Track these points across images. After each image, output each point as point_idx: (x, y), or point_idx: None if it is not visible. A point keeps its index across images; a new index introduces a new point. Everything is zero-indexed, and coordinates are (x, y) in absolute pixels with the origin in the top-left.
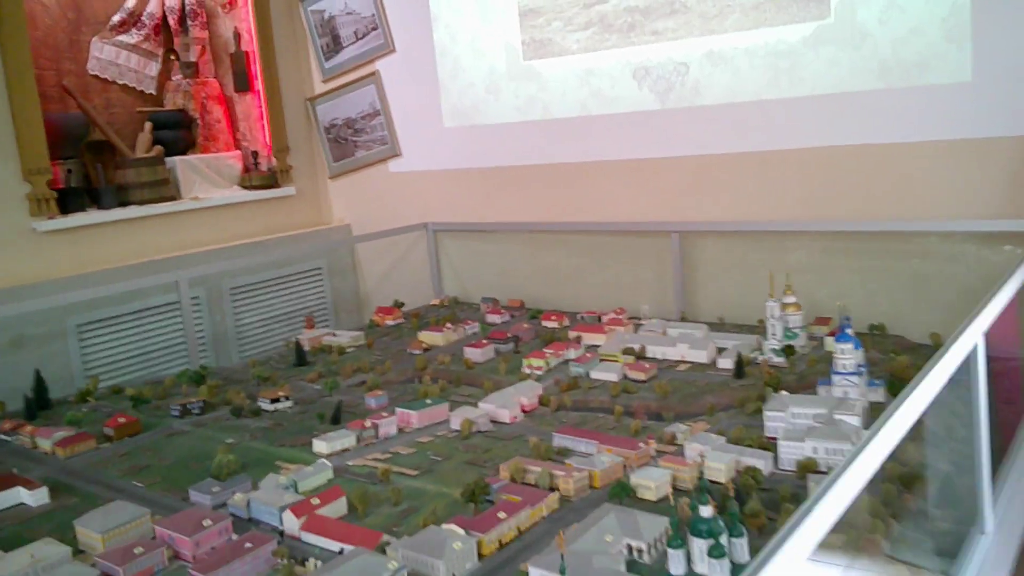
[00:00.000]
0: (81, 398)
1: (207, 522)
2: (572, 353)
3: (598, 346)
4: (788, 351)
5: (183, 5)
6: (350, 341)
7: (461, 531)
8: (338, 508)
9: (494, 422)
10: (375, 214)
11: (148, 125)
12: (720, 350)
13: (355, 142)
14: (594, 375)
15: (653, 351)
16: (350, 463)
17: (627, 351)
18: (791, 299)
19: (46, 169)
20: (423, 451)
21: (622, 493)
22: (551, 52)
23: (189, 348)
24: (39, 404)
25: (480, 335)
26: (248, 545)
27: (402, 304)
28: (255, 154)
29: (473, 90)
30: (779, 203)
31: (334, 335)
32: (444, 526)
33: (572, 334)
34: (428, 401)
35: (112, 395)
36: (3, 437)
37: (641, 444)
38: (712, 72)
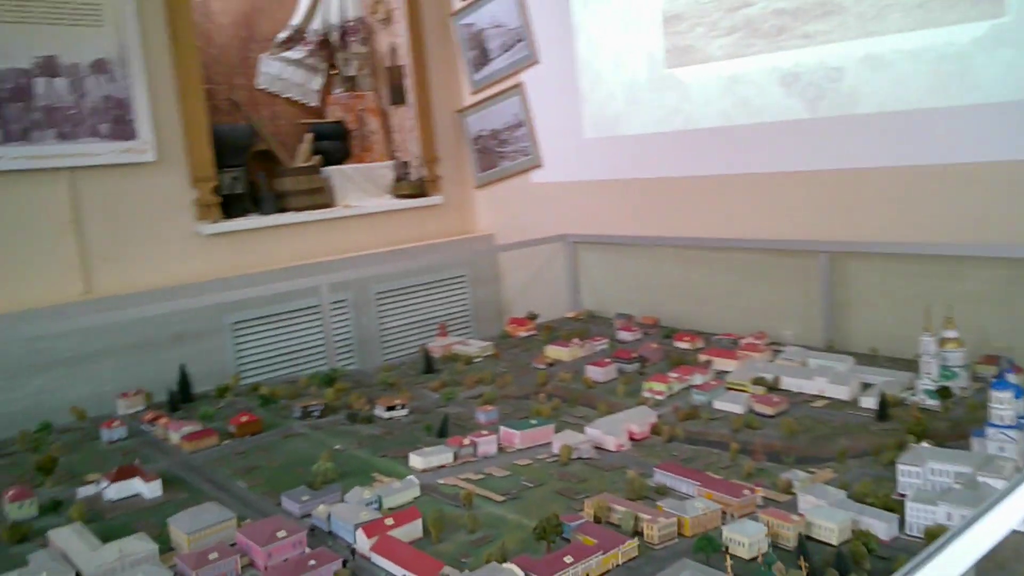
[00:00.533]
0: (220, 394)
1: (282, 533)
2: (698, 378)
3: (728, 372)
4: (943, 393)
5: (345, 22)
6: (479, 351)
7: (520, 573)
8: (413, 530)
9: (599, 449)
10: (517, 224)
11: (308, 136)
12: (865, 386)
13: (500, 153)
14: (717, 405)
15: (788, 383)
16: (441, 482)
17: (758, 381)
18: (952, 333)
19: (211, 177)
20: (517, 475)
21: (708, 548)
22: (694, 59)
23: (327, 350)
24: (183, 397)
25: (607, 352)
26: (312, 563)
27: (536, 316)
28: (406, 164)
29: (614, 101)
30: (944, 223)
31: (465, 344)
32: (506, 564)
33: (702, 358)
34: (533, 422)
35: (249, 392)
36: (144, 427)
37: (747, 491)
38: (870, 78)
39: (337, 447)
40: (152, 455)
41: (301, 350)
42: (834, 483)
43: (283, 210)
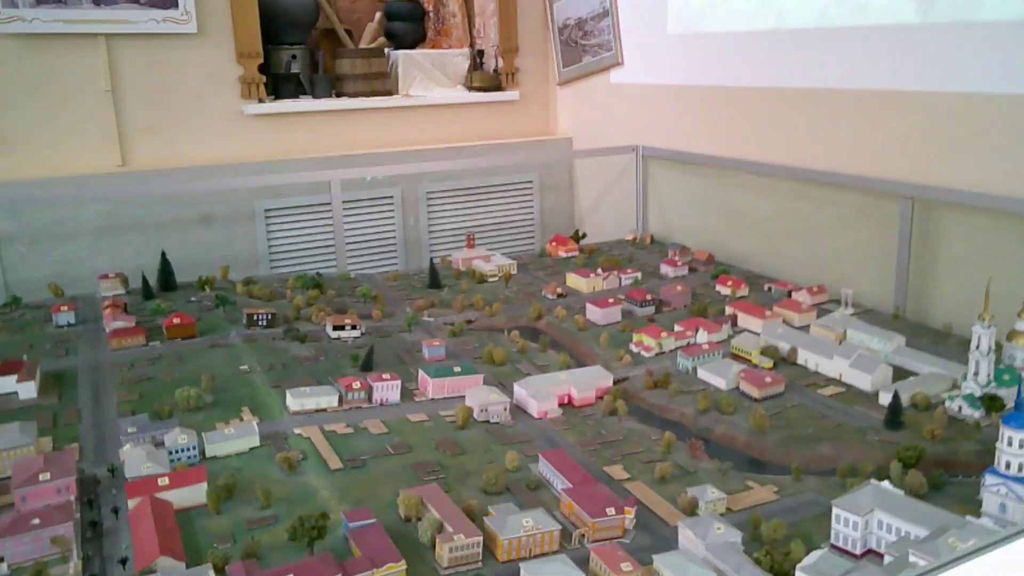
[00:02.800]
0: (201, 286)
1: (45, 476)
2: (704, 336)
3: (742, 333)
4: (990, 403)
5: None
6: (496, 270)
7: None
8: (192, 496)
9: (523, 412)
10: (592, 131)
11: (379, 15)
12: (901, 377)
13: (583, 46)
14: (702, 374)
15: (805, 358)
16: (298, 431)
17: (767, 351)
18: None
19: (258, 53)
20: (392, 434)
21: None
22: None
23: (337, 250)
24: (164, 285)
25: (633, 287)
26: (36, 521)
27: (582, 236)
28: (480, 53)
29: None
30: None
31: (486, 260)
32: (229, 567)
33: (729, 310)
34: (457, 368)
35: (228, 287)
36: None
37: (611, 509)
38: None
39: (243, 368)
40: (80, 347)
41: (330, 246)
42: (767, 509)
43: (338, 95)
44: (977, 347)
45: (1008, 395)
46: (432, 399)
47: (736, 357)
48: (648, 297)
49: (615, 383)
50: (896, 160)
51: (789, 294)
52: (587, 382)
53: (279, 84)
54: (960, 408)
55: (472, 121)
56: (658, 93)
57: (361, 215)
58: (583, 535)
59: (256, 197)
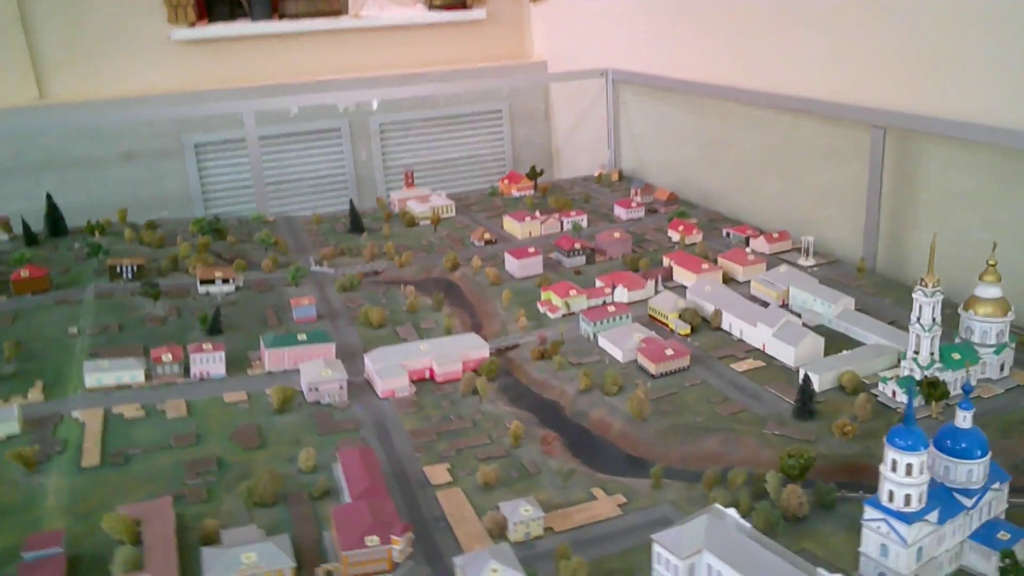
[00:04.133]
0: (90, 231)
1: None
2: (621, 294)
3: (684, 288)
4: (929, 389)
5: None
6: (429, 212)
7: None
8: None
9: (371, 388)
10: (569, 53)
11: None
12: (848, 347)
13: None
14: (603, 342)
15: (729, 323)
16: (74, 415)
17: (688, 314)
18: (991, 290)
19: None
20: (184, 423)
21: None
22: None
23: (256, 190)
24: (53, 231)
25: (575, 234)
26: None
27: (539, 173)
28: None
29: None
30: None
31: (423, 200)
32: None
33: (666, 261)
34: (302, 336)
35: (123, 232)
36: None
37: (372, 540)
38: None
39: (72, 330)
40: None
41: (278, 183)
42: (600, 530)
43: (281, 16)
44: (919, 319)
45: (956, 379)
46: (268, 372)
47: (654, 320)
48: (577, 246)
49: (502, 351)
50: (868, 83)
51: (747, 241)
52: (454, 353)
53: (212, 5)
54: (894, 393)
55: (433, 44)
56: (632, 11)
57: (306, 150)
58: (329, 572)
59: (185, 131)
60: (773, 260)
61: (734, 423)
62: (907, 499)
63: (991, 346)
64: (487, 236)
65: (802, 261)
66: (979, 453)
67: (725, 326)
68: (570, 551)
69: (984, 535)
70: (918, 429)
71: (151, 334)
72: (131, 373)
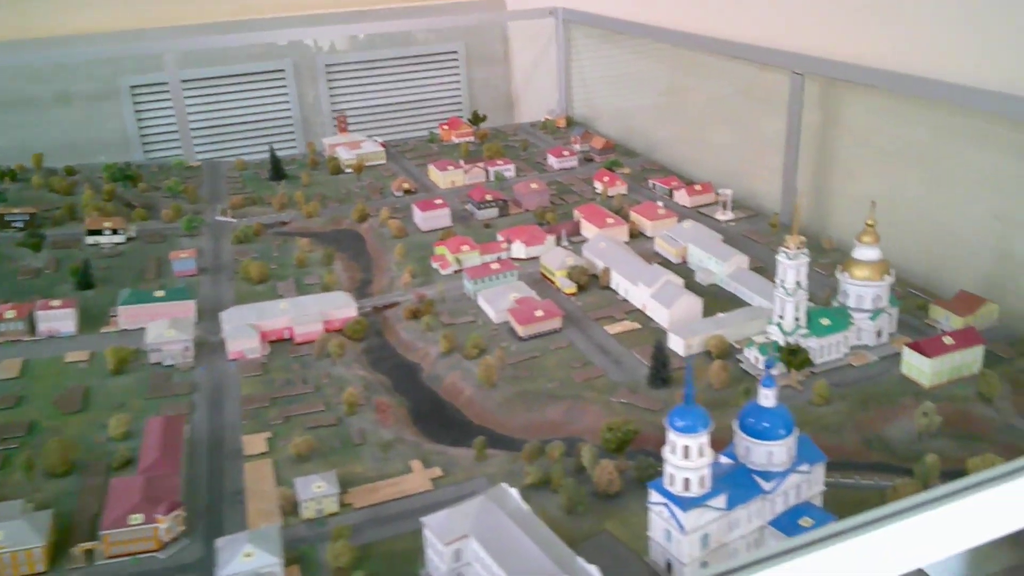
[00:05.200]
0: (11, 176)
1: None
2: (519, 249)
3: (583, 241)
4: (789, 357)
5: None
6: (353, 159)
7: None
8: None
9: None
10: None
11: None
12: (734, 307)
13: None
14: (481, 301)
15: (617, 282)
16: None
17: (577, 272)
18: (868, 251)
19: None
20: (12, 384)
21: None
22: None
23: (181, 135)
24: None
25: (496, 185)
26: None
27: (482, 118)
28: None
29: None
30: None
31: (352, 147)
32: None
33: (576, 214)
34: (160, 293)
35: (47, 177)
36: None
37: (136, 519)
38: None
39: None
40: None
41: (204, 127)
42: (400, 507)
43: None
44: (782, 282)
45: (822, 347)
46: (123, 331)
47: (544, 278)
48: (489, 197)
49: (379, 310)
50: (789, 27)
51: (671, 193)
52: (315, 313)
53: None
54: (756, 360)
55: None
56: None
57: (248, 92)
58: (89, 552)
59: (120, 73)
60: (691, 214)
61: (585, 390)
62: (686, 483)
63: (867, 311)
64: (406, 186)
65: (720, 215)
66: (782, 433)
67: (614, 285)
68: (349, 531)
69: (786, 521)
70: (698, 409)
71: (22, 287)
72: None
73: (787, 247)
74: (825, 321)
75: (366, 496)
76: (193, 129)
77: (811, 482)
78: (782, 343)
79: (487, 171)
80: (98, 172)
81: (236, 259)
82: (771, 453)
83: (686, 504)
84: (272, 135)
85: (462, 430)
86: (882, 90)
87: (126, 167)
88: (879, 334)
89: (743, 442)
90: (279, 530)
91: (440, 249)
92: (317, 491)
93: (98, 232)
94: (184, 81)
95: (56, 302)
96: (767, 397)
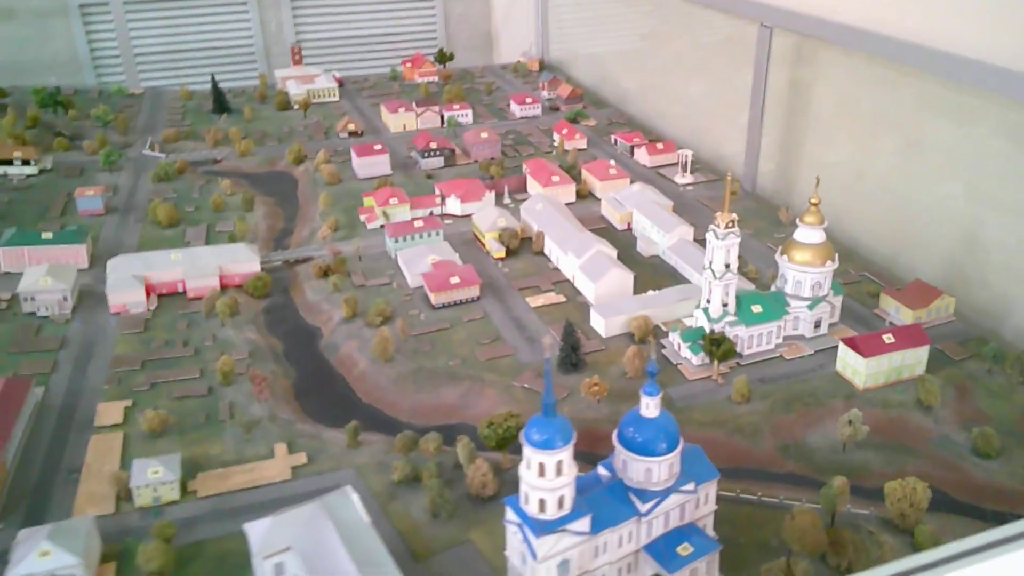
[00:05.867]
0: None
1: None
2: (454, 205)
3: (523, 200)
4: (711, 346)
5: None
6: (302, 94)
7: None
8: None
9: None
10: None
11: None
12: (675, 283)
13: None
14: (402, 261)
15: (550, 248)
16: None
17: (508, 234)
18: (811, 234)
19: None
20: None
21: None
22: None
23: (124, 59)
24: None
25: (448, 132)
26: None
27: (448, 58)
28: None
29: None
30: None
31: (305, 81)
32: None
33: (526, 168)
34: (48, 235)
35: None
36: None
37: None
38: None
39: None
40: None
41: (177, 51)
42: (252, 497)
43: None
44: (710, 263)
45: (751, 336)
46: (5, 273)
47: (476, 239)
48: (434, 145)
49: (290, 264)
50: None
51: (632, 150)
52: (210, 267)
53: None
54: (678, 347)
55: None
56: None
57: (210, 15)
58: None
59: None
60: (649, 174)
61: (487, 371)
62: (541, 504)
63: (805, 299)
64: (352, 127)
65: (678, 178)
66: (663, 447)
67: (547, 251)
68: (173, 529)
69: (662, 547)
70: (557, 421)
71: None
72: None
73: (716, 224)
74: (757, 308)
75: (214, 483)
76: (144, 54)
77: (700, 502)
78: (707, 330)
79: (442, 115)
80: (32, 97)
81: (151, 199)
82: (650, 470)
83: (539, 528)
84: (230, 64)
85: (346, 408)
86: (859, 52)
87: (55, 92)
88: (817, 325)
89: (621, 455)
90: (93, 522)
91: (368, 200)
92: (153, 477)
93: (7, 163)
94: (138, 1)
95: None
96: (648, 407)
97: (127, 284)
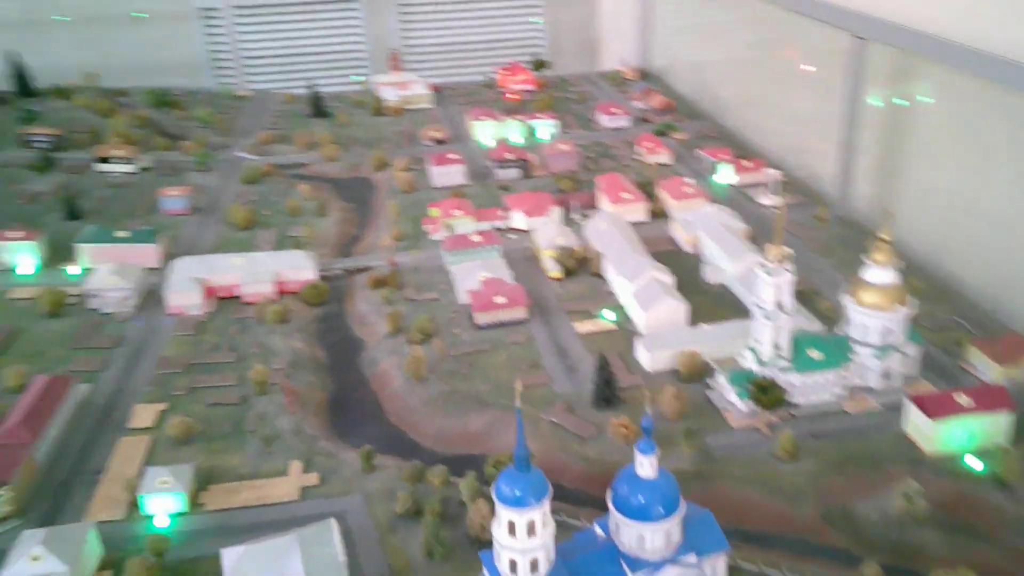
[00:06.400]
0: (57, 94)
1: None
2: (519, 220)
3: (589, 213)
4: (759, 393)
5: None
6: (396, 100)
7: None
8: None
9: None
10: None
11: None
12: (735, 316)
13: None
14: (455, 276)
15: (609, 272)
16: None
17: (567, 255)
18: (880, 274)
19: None
20: None
21: None
22: None
23: (233, 63)
24: (23, 91)
25: (529, 142)
26: None
27: (543, 64)
28: None
29: None
30: None
31: (401, 87)
32: None
33: (601, 183)
34: (123, 234)
35: (99, 94)
36: None
37: None
38: None
39: None
40: None
41: (289, 55)
42: (258, 516)
43: None
44: (760, 302)
45: (806, 384)
46: (85, 269)
47: (536, 254)
48: (510, 156)
49: (350, 273)
50: None
51: (715, 167)
52: (268, 272)
53: None
54: (725, 390)
55: None
56: None
57: (321, 22)
58: None
59: None
60: (734, 194)
61: (521, 400)
62: (512, 565)
63: (873, 346)
64: (438, 134)
65: (763, 199)
66: (660, 512)
67: (606, 274)
68: (166, 545)
69: None
70: (532, 475)
71: (14, 212)
72: None
73: (767, 258)
74: (815, 353)
75: (223, 498)
76: (256, 58)
77: (704, 574)
78: (757, 374)
79: (527, 125)
80: (147, 97)
81: (235, 201)
82: (643, 537)
83: None
84: (333, 69)
85: (372, 428)
86: (965, 70)
87: (164, 93)
88: (887, 376)
89: (613, 517)
90: (93, 529)
91: (433, 211)
92: (161, 487)
93: (108, 160)
94: (251, 7)
95: (17, 232)
96: (643, 465)
97: (186, 286)
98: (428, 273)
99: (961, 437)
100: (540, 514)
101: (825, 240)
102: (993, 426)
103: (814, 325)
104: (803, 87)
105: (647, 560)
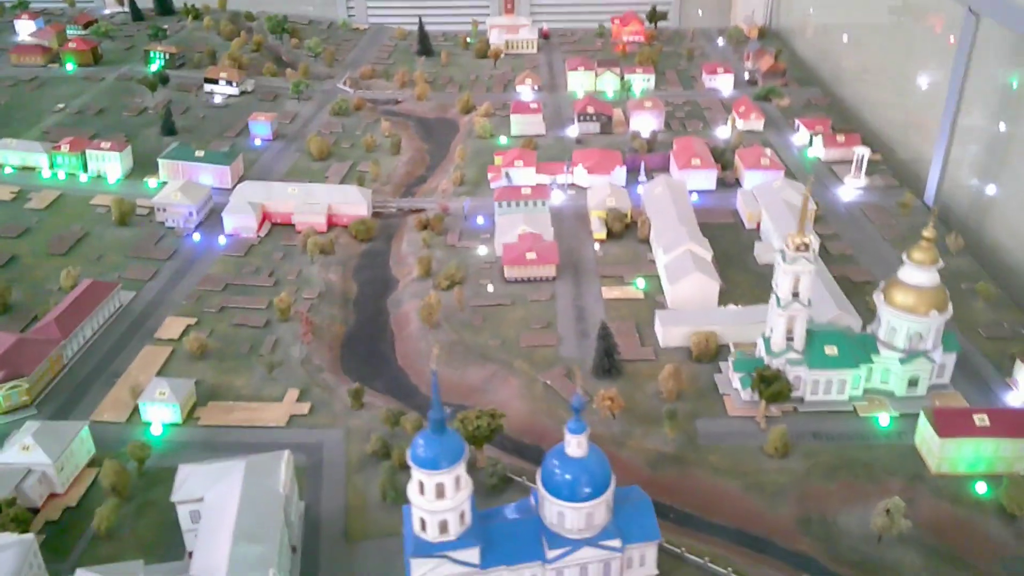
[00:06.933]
0: (187, 13)
1: None
2: (581, 176)
3: (652, 176)
4: (761, 383)
5: None
6: (502, 45)
7: None
8: None
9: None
10: None
11: None
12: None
13: None
14: (498, 227)
15: (654, 236)
16: None
17: (617, 215)
18: (919, 275)
19: None
20: (34, 215)
21: None
22: None
23: None
24: (161, 10)
25: (621, 96)
26: None
27: (660, 16)
28: None
29: None
30: None
31: (511, 30)
32: None
33: (675, 144)
34: (200, 154)
35: (222, 16)
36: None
37: None
38: None
39: (59, 105)
40: None
41: None
42: (247, 440)
43: None
44: (776, 291)
45: (816, 381)
46: (164, 182)
47: (598, 214)
48: (590, 110)
49: (405, 212)
50: None
51: (811, 140)
52: (321, 205)
53: None
54: (730, 379)
55: None
56: None
57: None
58: None
59: None
60: (821, 168)
61: (521, 358)
62: (423, 523)
63: (899, 351)
64: (531, 81)
65: (849, 179)
66: (587, 492)
67: (652, 238)
68: (147, 452)
69: None
70: (446, 439)
71: (118, 123)
72: (35, 157)
73: (787, 245)
74: (831, 349)
75: (217, 415)
76: None
77: (630, 562)
78: (763, 362)
79: (622, 77)
80: (268, 22)
81: (320, 132)
82: (563, 515)
83: (416, 548)
84: (456, 7)
85: (378, 367)
86: None
87: (283, 19)
88: (913, 383)
89: (540, 492)
90: (85, 429)
91: (497, 159)
92: (159, 398)
93: (215, 82)
94: None
95: (106, 144)
96: (571, 444)
97: (243, 209)
98: (475, 220)
99: (970, 459)
100: (452, 478)
101: (903, 230)
102: (1013, 452)
103: (854, 320)
104: (928, 61)
105: (567, 537)
